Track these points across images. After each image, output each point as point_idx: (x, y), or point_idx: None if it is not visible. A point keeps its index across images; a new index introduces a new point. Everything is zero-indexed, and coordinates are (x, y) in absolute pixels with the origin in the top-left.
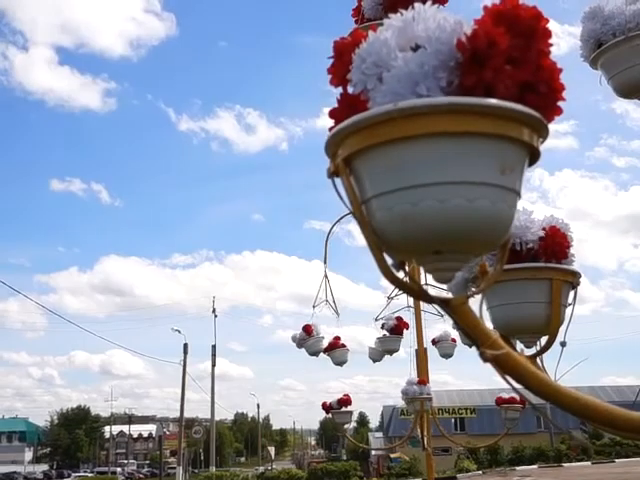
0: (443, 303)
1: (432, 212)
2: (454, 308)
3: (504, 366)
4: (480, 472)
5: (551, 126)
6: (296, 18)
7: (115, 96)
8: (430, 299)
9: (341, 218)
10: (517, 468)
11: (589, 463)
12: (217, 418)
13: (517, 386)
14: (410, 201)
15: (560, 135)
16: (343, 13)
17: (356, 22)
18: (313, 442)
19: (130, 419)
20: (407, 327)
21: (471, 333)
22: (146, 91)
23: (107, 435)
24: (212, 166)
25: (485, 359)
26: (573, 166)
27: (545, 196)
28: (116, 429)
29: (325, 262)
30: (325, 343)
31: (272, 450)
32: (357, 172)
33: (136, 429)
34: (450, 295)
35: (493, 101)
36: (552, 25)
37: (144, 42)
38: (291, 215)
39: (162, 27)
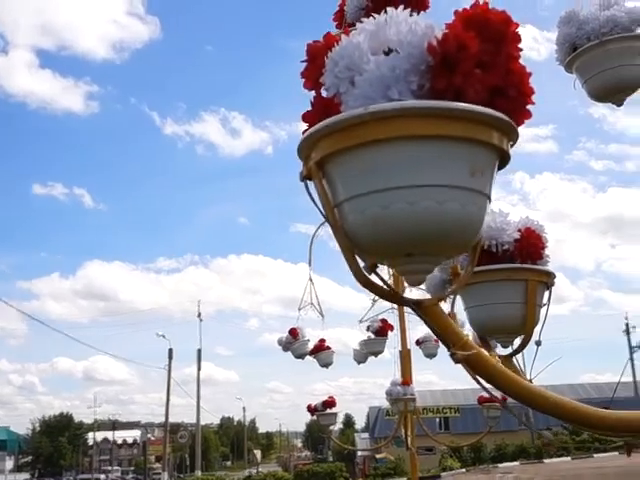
0: (415, 305)
1: (403, 215)
2: (426, 310)
3: (475, 367)
4: (464, 470)
5: (531, 130)
6: (281, 22)
7: (98, 99)
8: (401, 301)
9: (325, 221)
10: (499, 465)
11: (569, 459)
12: (203, 422)
13: (488, 386)
14: (381, 204)
15: (540, 139)
16: (329, 17)
17: (338, 27)
18: (299, 444)
19: (114, 425)
20: (392, 329)
21: (443, 334)
22: (130, 95)
23: (91, 442)
24: (197, 170)
25: (456, 360)
26: (553, 169)
27: (526, 198)
28: (100, 436)
29: (310, 265)
30: (311, 346)
31: (258, 453)
32: (329, 175)
33: (121, 435)
34: (422, 297)
35: (462, 105)
36: (531, 31)
37: (127, 45)
38: (277, 218)
39: (146, 30)
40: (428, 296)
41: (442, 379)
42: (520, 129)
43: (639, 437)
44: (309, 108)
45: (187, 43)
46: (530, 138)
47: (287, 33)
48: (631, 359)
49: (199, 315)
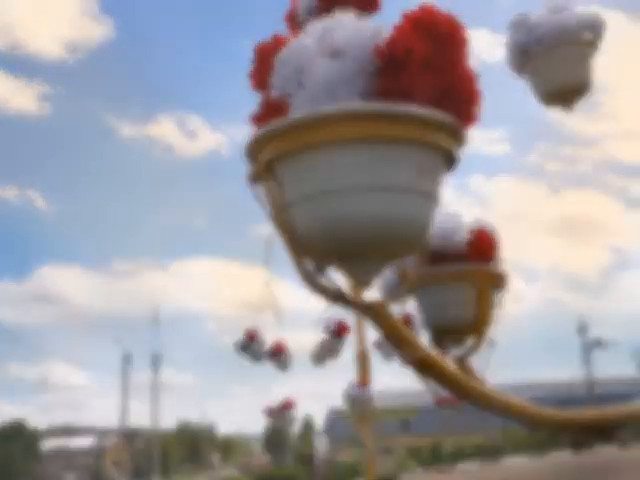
0: (364, 308)
1: (349, 217)
2: (375, 312)
3: (424, 368)
4: (422, 470)
5: (487, 133)
6: (236, 22)
7: (50, 101)
8: (349, 304)
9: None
10: (457, 465)
11: (525, 458)
12: (161, 427)
13: (437, 388)
14: (329, 206)
15: (496, 141)
16: (282, 17)
17: (290, 28)
18: (259, 448)
19: (69, 431)
20: (349, 330)
21: (392, 336)
22: (84, 95)
23: (44, 449)
24: (153, 172)
25: (405, 362)
26: (509, 171)
27: (482, 200)
28: (55, 442)
29: (266, 266)
30: (268, 349)
31: (217, 457)
32: (278, 177)
33: (76, 442)
34: (371, 300)
35: (407, 107)
36: (488, 34)
37: (81, 45)
38: (235, 220)
39: (100, 30)
40: (378, 299)
41: (401, 380)
42: (476, 131)
43: (589, 435)
44: (259, 109)
45: (142, 44)
46: (486, 140)
47: (242, 34)
48: (585, 359)
49: (156, 319)
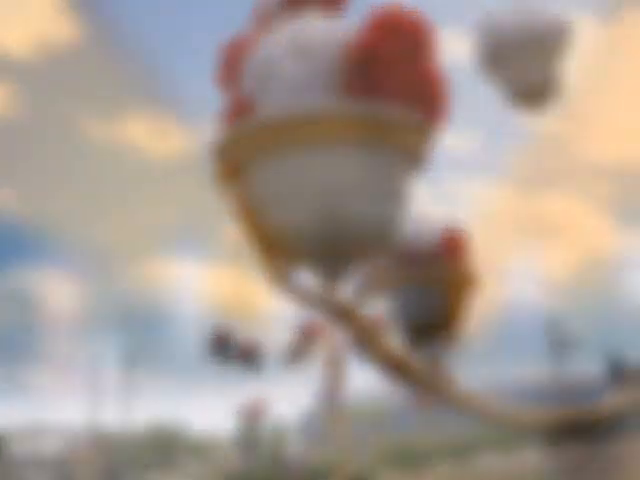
0: (335, 308)
1: (320, 217)
2: (346, 313)
3: (396, 369)
4: (395, 470)
5: (461, 132)
6: (208, 19)
7: (19, 100)
8: (321, 305)
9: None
10: (432, 463)
11: (497, 456)
12: (132, 428)
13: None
14: (300, 207)
15: (469, 141)
16: (250, 14)
17: (257, 25)
18: (231, 448)
19: (38, 433)
20: (324, 332)
21: (364, 338)
22: (53, 94)
23: (12, 451)
24: (126, 171)
25: (377, 363)
26: (482, 171)
27: (455, 201)
28: (23, 445)
29: (239, 268)
30: (242, 350)
31: (189, 458)
32: (246, 178)
33: (45, 443)
34: (341, 301)
35: (374, 107)
36: (460, 33)
37: (50, 43)
38: (208, 221)
39: (70, 28)
40: (349, 300)
41: (375, 380)
42: (447, 132)
43: (561, 434)
44: (225, 109)
45: (113, 41)
46: (458, 141)
47: (216, 30)
48: (556, 357)
49: (127, 319)
